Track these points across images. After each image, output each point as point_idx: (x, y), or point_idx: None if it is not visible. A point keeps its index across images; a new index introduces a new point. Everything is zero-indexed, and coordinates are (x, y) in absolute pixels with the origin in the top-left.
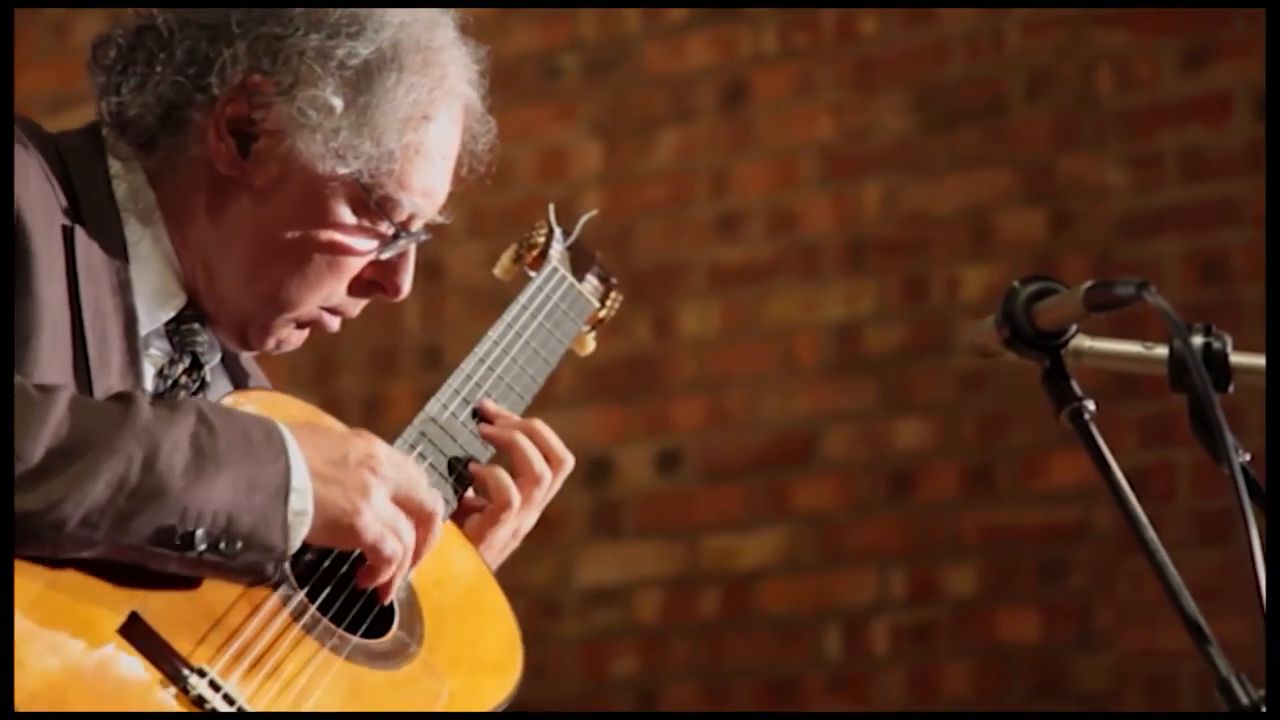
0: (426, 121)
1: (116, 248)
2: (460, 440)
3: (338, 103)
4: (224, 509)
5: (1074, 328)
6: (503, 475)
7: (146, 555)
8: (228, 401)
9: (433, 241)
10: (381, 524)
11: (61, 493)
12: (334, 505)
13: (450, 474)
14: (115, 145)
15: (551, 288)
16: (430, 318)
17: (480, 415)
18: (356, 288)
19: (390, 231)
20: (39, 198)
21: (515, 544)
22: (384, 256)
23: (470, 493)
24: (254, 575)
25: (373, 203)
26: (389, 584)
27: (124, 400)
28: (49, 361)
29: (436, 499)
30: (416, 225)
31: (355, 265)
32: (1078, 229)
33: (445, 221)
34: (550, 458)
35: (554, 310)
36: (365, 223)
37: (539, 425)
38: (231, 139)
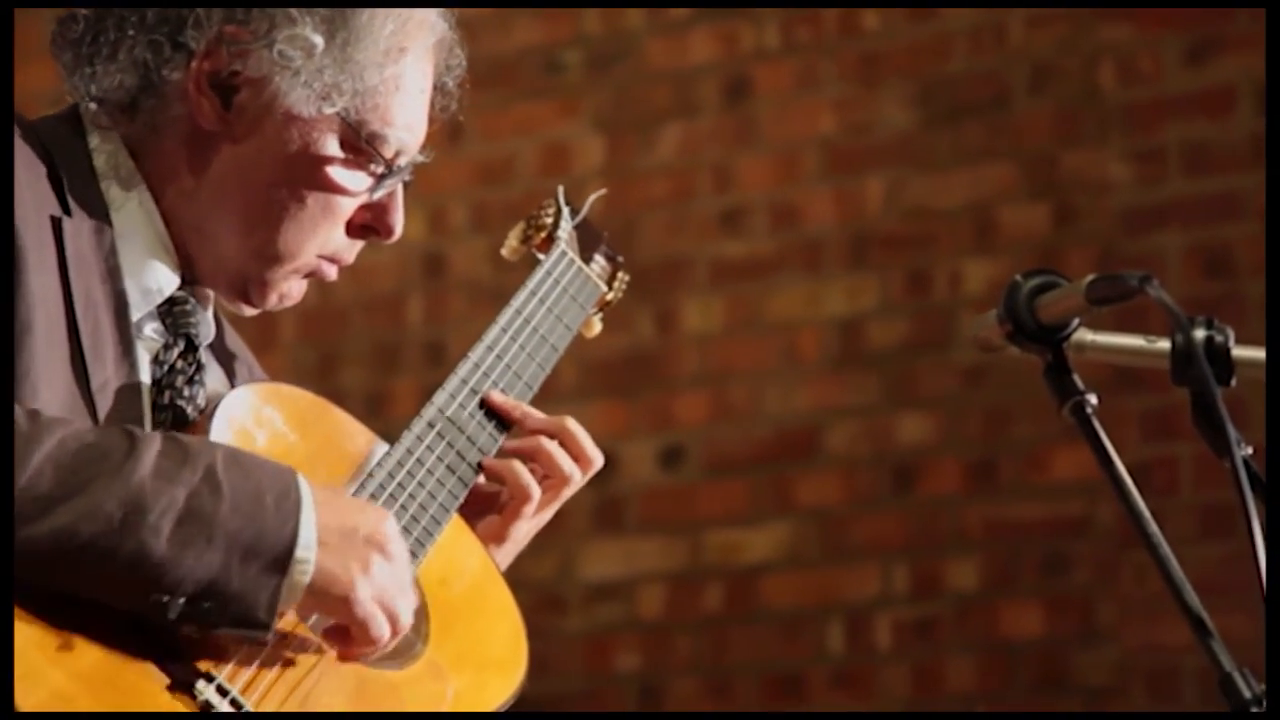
0: (403, 54)
1: (104, 233)
2: (468, 432)
3: (318, 40)
4: (208, 579)
5: (1076, 321)
6: (521, 470)
7: (120, 607)
8: (233, 396)
9: (435, 236)
10: (375, 603)
11: (29, 546)
12: (330, 574)
13: (458, 468)
14: (94, 119)
15: (560, 272)
16: (433, 313)
17: (487, 406)
18: (351, 231)
19: (380, 169)
20: (26, 191)
21: (533, 533)
22: (377, 195)
23: (481, 479)
24: (240, 641)
25: (362, 140)
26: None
27: (130, 443)
28: (45, 358)
29: (412, 602)
30: (403, 162)
31: (348, 207)
32: (1081, 223)
33: (427, 160)
34: (580, 458)
35: (562, 296)
36: (354, 162)
37: (571, 426)
38: (213, 93)
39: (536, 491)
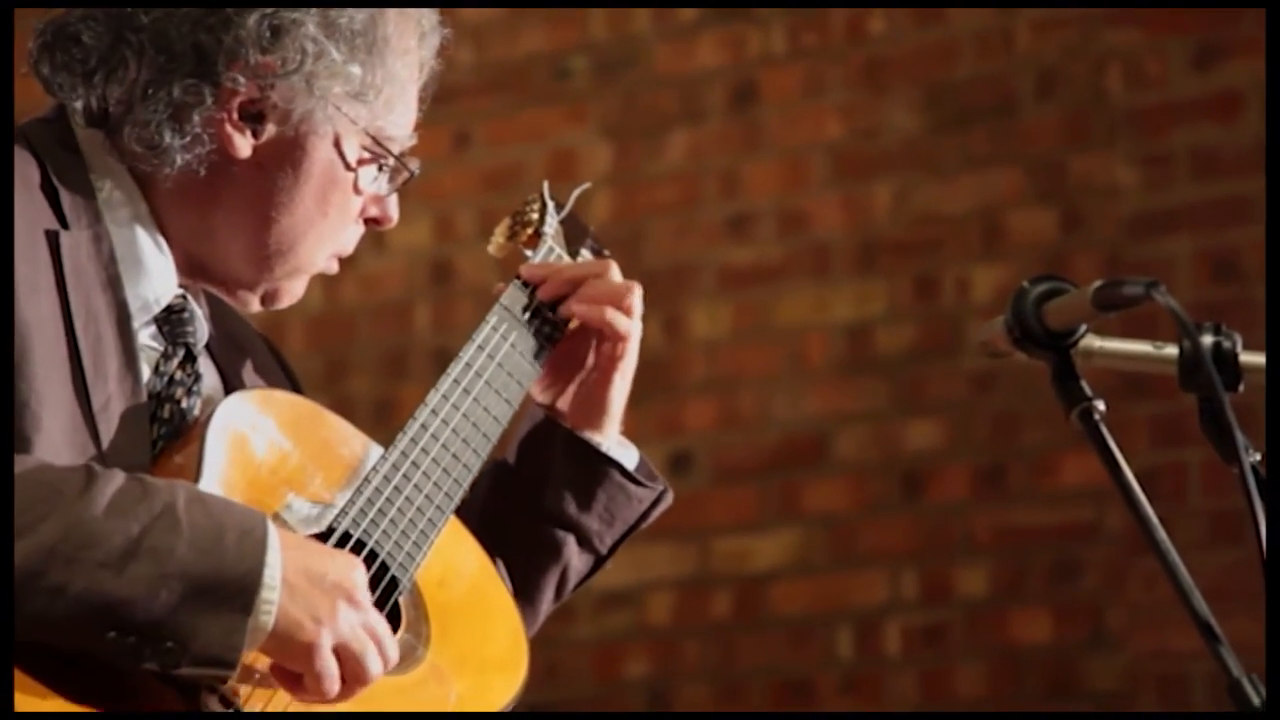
0: (407, 56)
1: (103, 242)
2: (463, 433)
3: (355, 70)
4: (164, 617)
5: (1084, 327)
6: (607, 309)
7: (77, 648)
8: (227, 405)
9: (443, 243)
10: (336, 654)
11: None
12: (293, 620)
13: (454, 469)
14: (94, 143)
15: None
16: (441, 320)
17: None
18: (357, 226)
19: (392, 165)
20: (21, 206)
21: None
22: (388, 192)
23: (480, 465)
24: (201, 681)
25: (384, 148)
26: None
27: (87, 480)
28: (45, 385)
29: (395, 650)
30: (402, 151)
31: (361, 206)
32: (1088, 228)
33: (415, 142)
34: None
35: None
36: (368, 162)
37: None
38: (243, 124)
39: (625, 323)
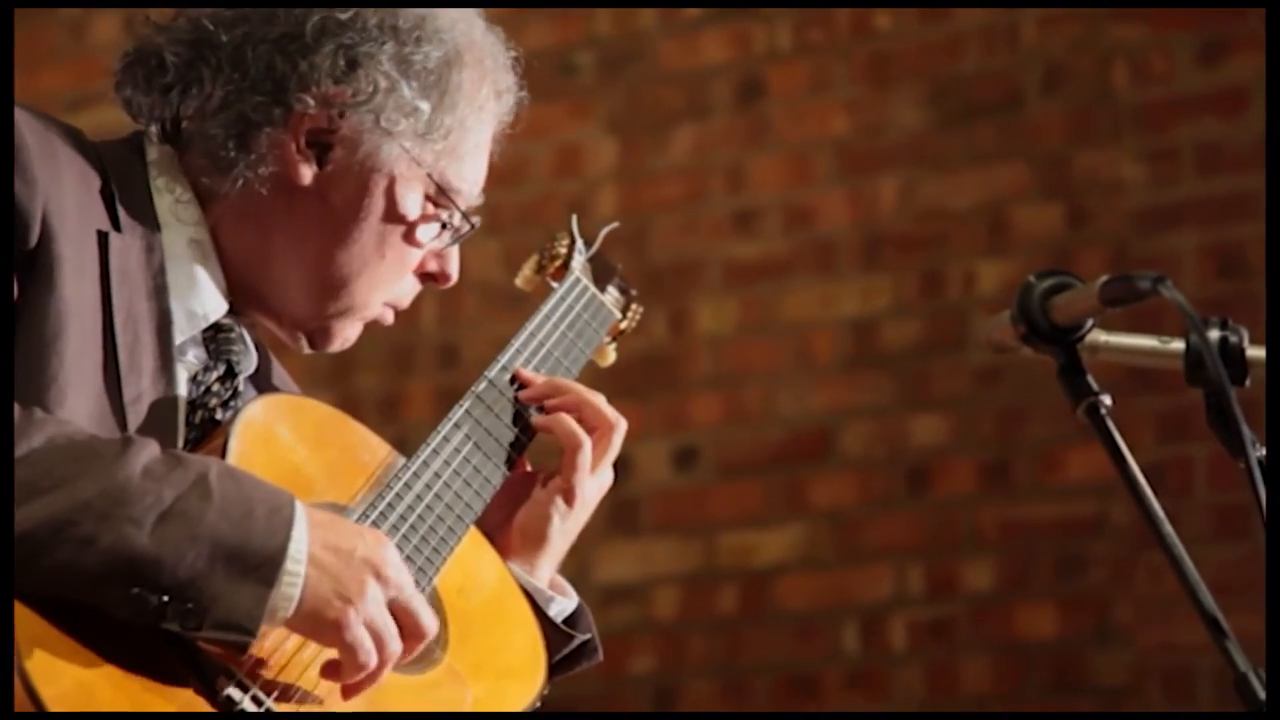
0: (482, 113)
1: (154, 252)
2: (485, 448)
3: (424, 106)
4: (189, 579)
5: (1090, 322)
6: (567, 419)
7: (101, 604)
8: (254, 406)
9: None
10: (366, 630)
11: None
12: (321, 597)
13: (474, 481)
14: (163, 158)
15: (574, 298)
16: (447, 316)
17: (518, 403)
18: (414, 279)
19: (455, 221)
20: (72, 201)
21: (599, 495)
22: (451, 247)
23: (505, 474)
24: (224, 647)
25: (448, 199)
26: (353, 685)
27: (124, 445)
28: (75, 364)
29: (433, 620)
30: (467, 210)
31: (419, 257)
32: (1094, 223)
33: (481, 203)
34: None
35: (576, 320)
36: (432, 216)
37: (588, 396)
38: (309, 150)
39: (586, 438)
